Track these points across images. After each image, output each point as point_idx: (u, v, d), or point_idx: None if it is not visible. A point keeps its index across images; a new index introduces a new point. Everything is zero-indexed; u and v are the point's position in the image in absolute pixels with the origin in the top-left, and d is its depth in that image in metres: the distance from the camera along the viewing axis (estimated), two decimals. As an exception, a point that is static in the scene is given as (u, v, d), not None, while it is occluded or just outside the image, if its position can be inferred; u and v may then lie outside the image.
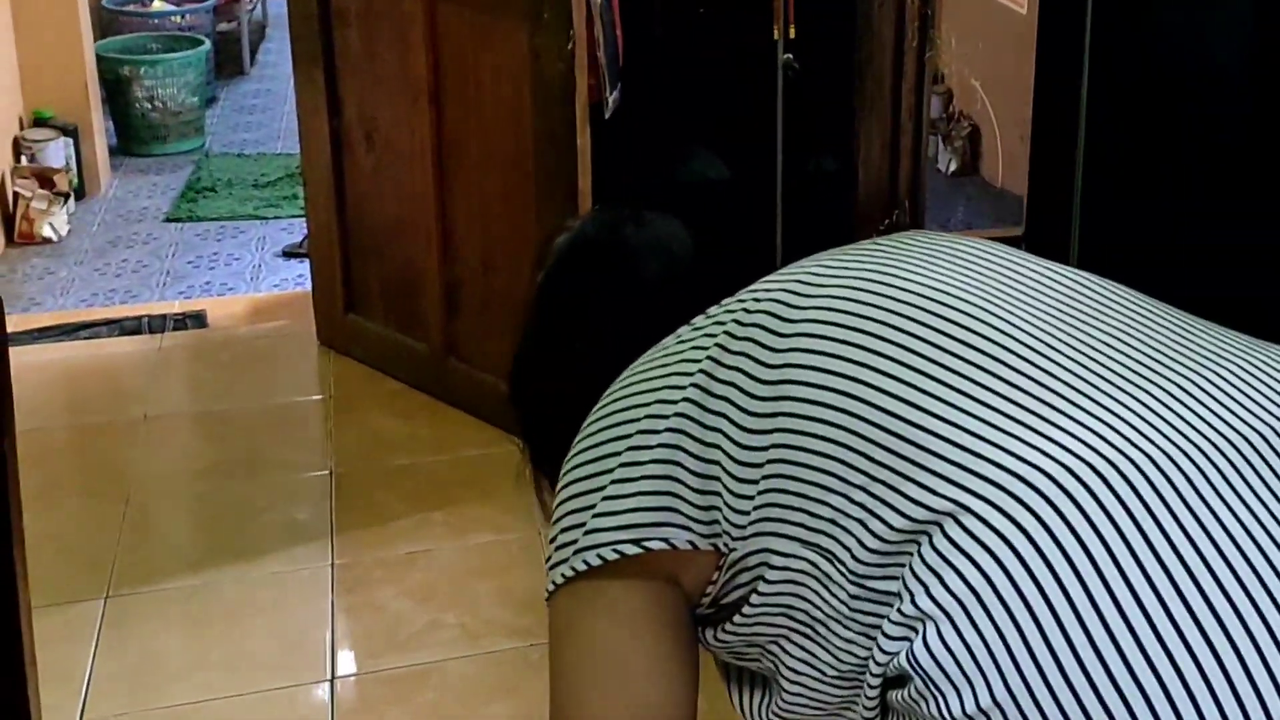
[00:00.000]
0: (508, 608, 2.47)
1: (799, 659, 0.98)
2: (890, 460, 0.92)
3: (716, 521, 0.97)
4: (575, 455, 1.01)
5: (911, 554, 0.89)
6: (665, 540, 0.97)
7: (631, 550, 0.97)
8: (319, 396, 3.23)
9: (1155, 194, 2.87)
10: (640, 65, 3.06)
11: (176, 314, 3.65)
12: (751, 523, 0.96)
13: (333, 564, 2.59)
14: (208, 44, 5.50)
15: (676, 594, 1.00)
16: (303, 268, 4.13)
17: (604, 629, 1.01)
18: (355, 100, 3.20)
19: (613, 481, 0.98)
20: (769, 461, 0.95)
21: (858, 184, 3.58)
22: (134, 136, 5.15)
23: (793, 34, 3.20)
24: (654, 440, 0.98)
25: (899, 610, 0.89)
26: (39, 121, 4.59)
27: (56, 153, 4.50)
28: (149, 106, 5.12)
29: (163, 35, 5.49)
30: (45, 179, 4.39)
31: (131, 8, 5.69)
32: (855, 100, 3.45)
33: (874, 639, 0.91)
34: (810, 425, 0.94)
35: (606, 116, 2.92)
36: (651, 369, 1.01)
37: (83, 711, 2.20)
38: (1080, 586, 0.85)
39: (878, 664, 0.90)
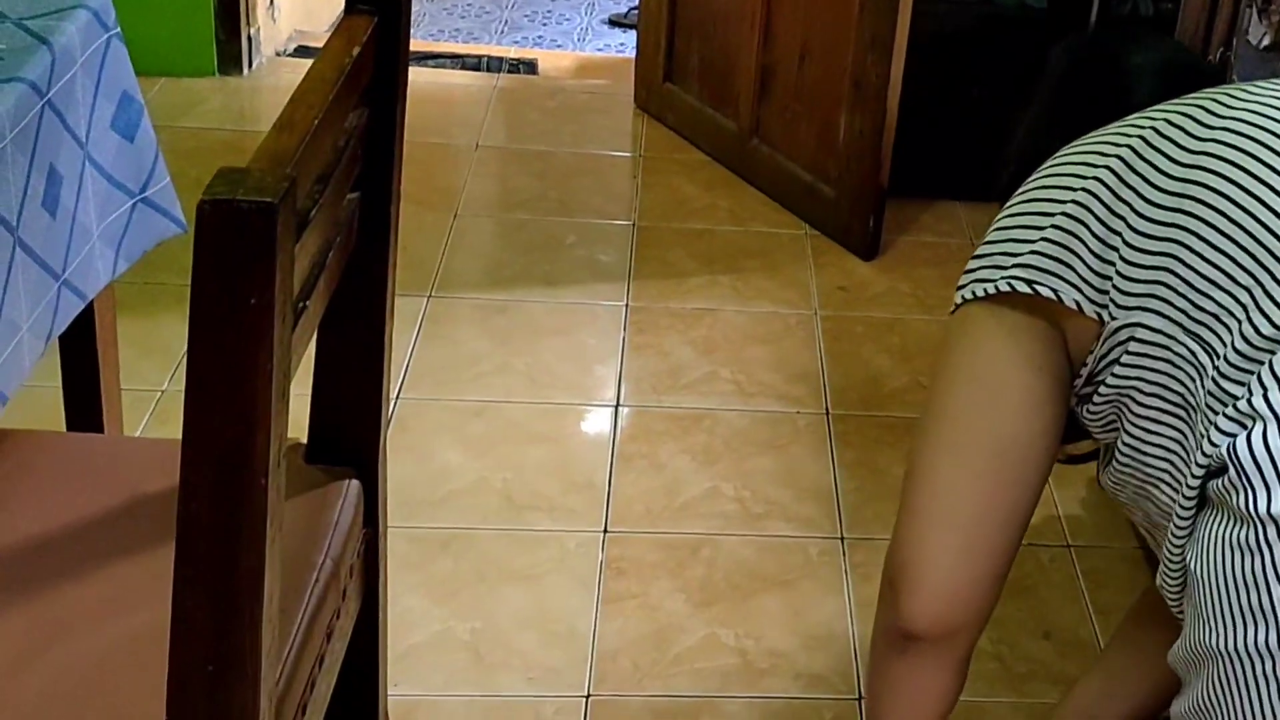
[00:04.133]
0: (780, 374, 2.42)
1: (1165, 438, 0.95)
2: (1276, 267, 0.87)
3: (1107, 292, 0.95)
4: (1006, 205, 1.02)
5: (1264, 361, 0.86)
6: (1054, 291, 0.96)
7: (1022, 288, 0.96)
8: (629, 154, 3.18)
9: None
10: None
11: (512, 59, 3.63)
12: (1137, 295, 0.93)
13: (627, 305, 2.58)
14: None
15: (1062, 352, 0.99)
16: (624, 37, 4.06)
17: (988, 352, 1.00)
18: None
19: (1023, 226, 0.98)
20: (1168, 239, 0.92)
21: (1173, 34, 3.27)
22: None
23: None
24: (1067, 197, 0.97)
25: (1235, 406, 0.86)
26: None
27: (419, -104, 4.48)
28: None
29: None
30: (410, -81, 4.38)
31: None
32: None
33: (1208, 432, 0.89)
34: (1212, 216, 0.90)
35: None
36: (1084, 144, 1.01)
37: (399, 391, 2.25)
38: None
39: (1204, 454, 0.88)
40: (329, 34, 1.23)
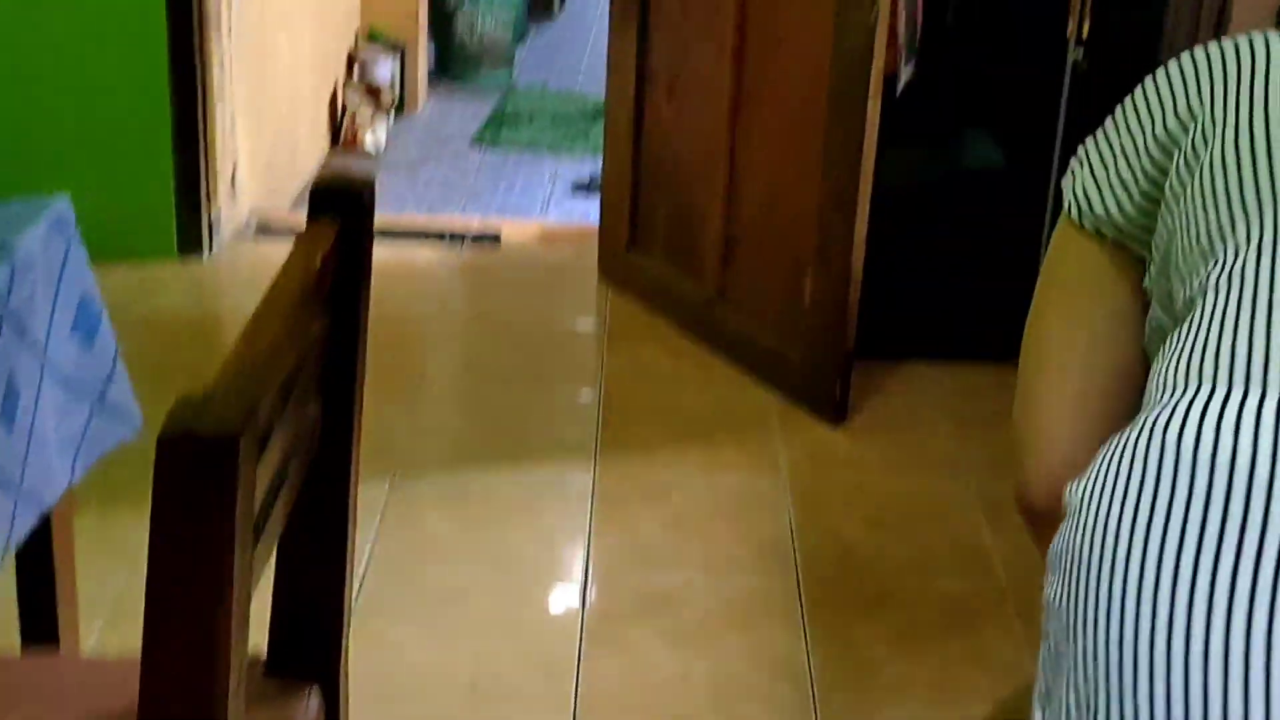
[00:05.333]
0: (749, 548, 2.45)
1: None
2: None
3: (1149, 244, 1.00)
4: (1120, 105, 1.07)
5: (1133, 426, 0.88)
6: (1098, 230, 1.03)
7: (1076, 219, 1.04)
8: (595, 325, 3.25)
9: None
10: (934, 44, 2.97)
11: (475, 231, 3.72)
12: (1156, 271, 0.98)
13: (594, 481, 2.62)
14: (525, -17, 5.59)
15: (1134, 272, 1.03)
16: (587, 203, 4.18)
17: (1073, 252, 1.07)
18: (663, 50, 3.20)
19: (1105, 154, 1.04)
20: (1188, 195, 0.95)
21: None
22: (452, 62, 5.28)
23: (1086, 32, 3.05)
24: (1137, 137, 1.01)
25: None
26: (372, 38, 4.73)
27: (384, 69, 4.64)
28: (469, 36, 5.24)
29: (487, -30, 5.59)
30: (373, 93, 4.53)
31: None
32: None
33: None
34: (1217, 196, 0.93)
35: (899, 90, 2.84)
36: (1180, 62, 1.03)
37: (362, 583, 2.27)
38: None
39: None
40: (291, 212, 1.30)
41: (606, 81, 3.39)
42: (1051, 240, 1.09)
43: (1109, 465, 0.86)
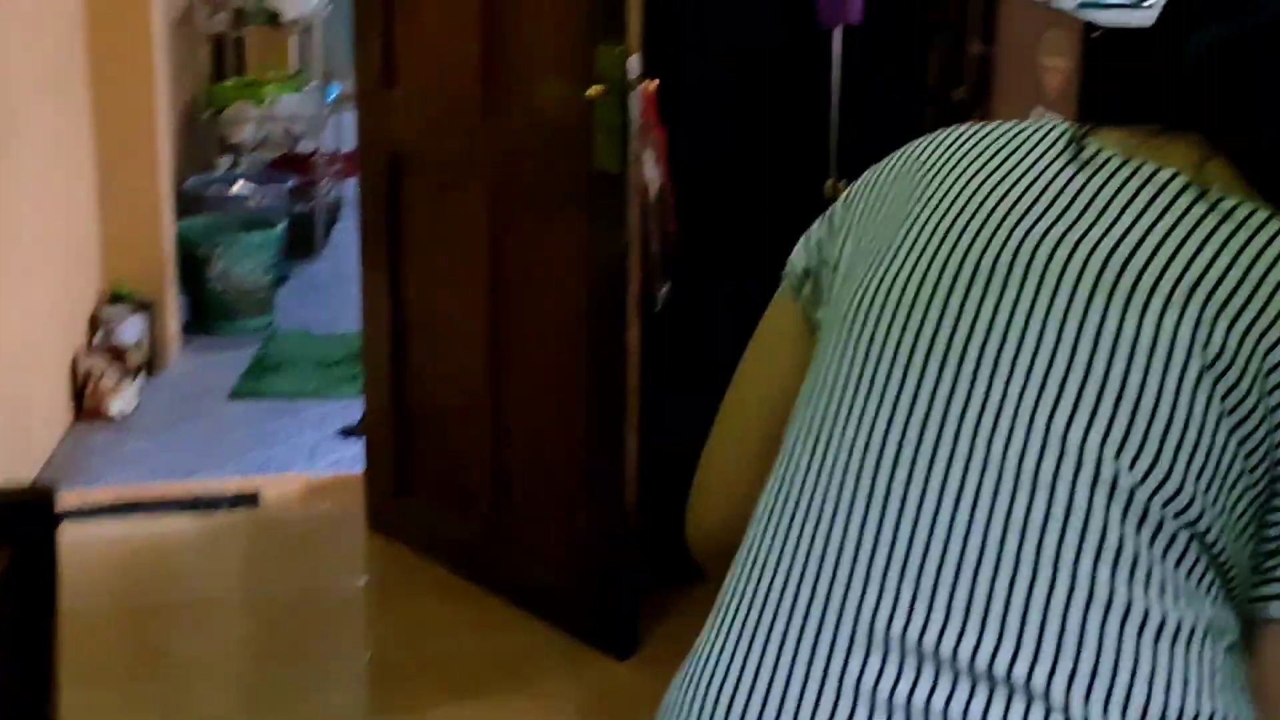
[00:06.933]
0: (540, 807, 2.42)
1: None
2: None
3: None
4: None
5: None
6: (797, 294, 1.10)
7: (784, 276, 1.12)
8: (365, 581, 3.23)
9: None
10: (691, 258, 3.10)
11: (232, 494, 3.67)
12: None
13: (366, 756, 2.57)
14: (282, 226, 5.60)
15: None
16: (358, 447, 4.17)
17: (769, 322, 1.14)
18: (417, 286, 3.27)
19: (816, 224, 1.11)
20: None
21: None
22: (206, 313, 5.24)
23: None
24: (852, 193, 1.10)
25: None
26: (116, 298, 4.69)
27: (131, 329, 4.59)
28: (222, 285, 5.23)
29: (239, 216, 5.61)
30: (118, 355, 4.48)
31: (212, 190, 5.86)
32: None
33: None
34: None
35: (657, 309, 2.95)
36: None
37: None
38: None
39: None
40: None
41: (362, 324, 3.45)
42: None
43: (671, 695, 1.01)
